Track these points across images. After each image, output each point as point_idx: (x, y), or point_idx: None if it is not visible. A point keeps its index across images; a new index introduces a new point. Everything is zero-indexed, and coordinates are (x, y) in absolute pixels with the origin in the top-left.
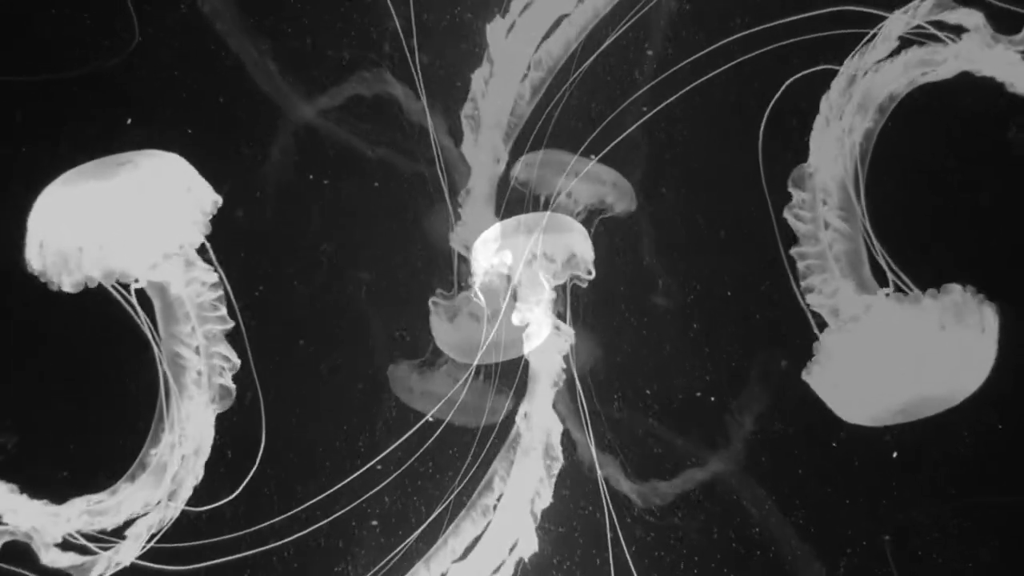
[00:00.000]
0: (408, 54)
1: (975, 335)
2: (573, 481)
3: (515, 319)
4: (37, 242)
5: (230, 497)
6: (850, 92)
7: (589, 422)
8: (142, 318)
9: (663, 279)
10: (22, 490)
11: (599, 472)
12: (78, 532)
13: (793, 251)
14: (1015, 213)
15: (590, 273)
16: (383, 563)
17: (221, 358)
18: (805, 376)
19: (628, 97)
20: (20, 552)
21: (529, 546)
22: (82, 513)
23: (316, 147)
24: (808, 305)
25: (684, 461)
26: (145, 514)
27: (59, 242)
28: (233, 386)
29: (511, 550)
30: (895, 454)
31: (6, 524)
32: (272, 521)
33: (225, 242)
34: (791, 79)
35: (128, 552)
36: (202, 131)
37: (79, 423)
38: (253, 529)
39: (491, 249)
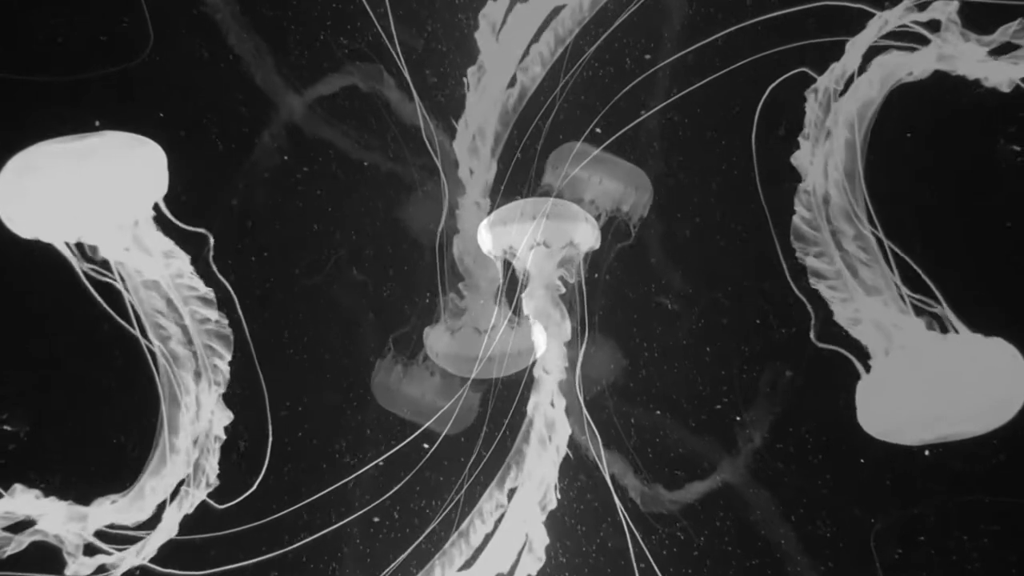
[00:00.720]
0: (395, 55)
1: (1010, 375)
2: (583, 484)
3: (526, 310)
4: (7, 215)
5: (243, 496)
6: (830, 105)
7: (593, 424)
8: (128, 305)
9: (675, 287)
10: (47, 493)
11: (607, 475)
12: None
13: (809, 271)
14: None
15: (580, 266)
16: (390, 566)
17: (213, 338)
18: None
19: (628, 95)
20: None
21: (539, 550)
22: (109, 511)
23: (311, 146)
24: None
25: (697, 471)
26: (167, 503)
27: (27, 210)
28: (228, 368)
29: (521, 551)
30: (927, 452)
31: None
32: (273, 517)
33: (220, 239)
34: (774, 84)
35: (155, 544)
36: (199, 125)
37: (87, 422)
38: (252, 527)
39: (491, 237)
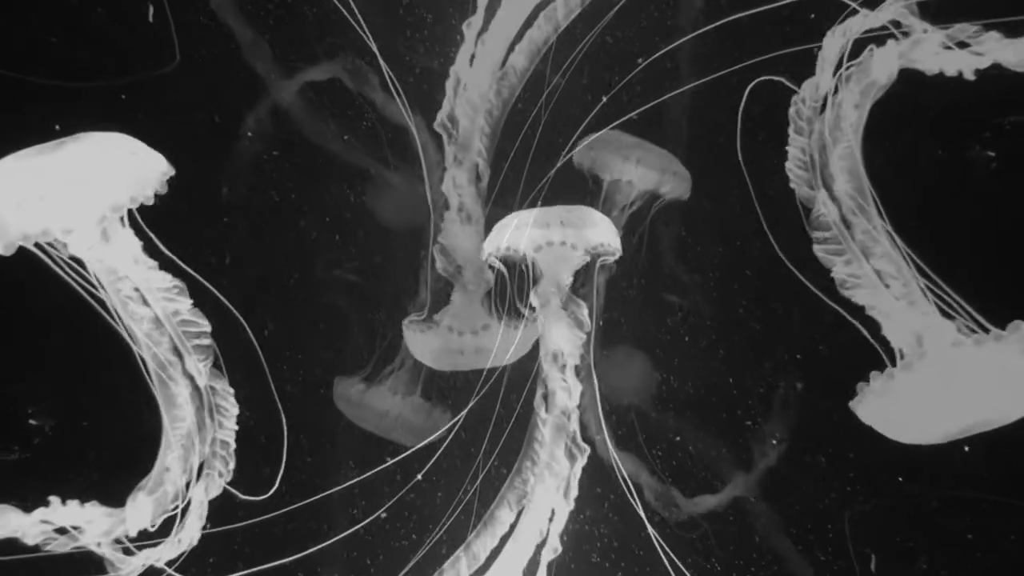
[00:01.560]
0: (377, 53)
1: None
2: (600, 489)
3: (533, 301)
4: None
5: (264, 495)
6: (816, 122)
7: (608, 431)
8: (106, 300)
9: (688, 296)
10: (83, 501)
11: (623, 477)
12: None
13: (837, 281)
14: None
15: (615, 254)
16: (409, 563)
17: (187, 323)
18: (857, 409)
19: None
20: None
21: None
22: (147, 505)
23: (301, 143)
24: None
25: (712, 484)
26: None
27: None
28: (211, 342)
29: (541, 547)
30: (967, 448)
31: (81, 535)
32: (281, 509)
33: (212, 241)
34: (752, 84)
35: (193, 528)
36: (193, 117)
37: (92, 415)
38: (261, 532)
39: (501, 236)
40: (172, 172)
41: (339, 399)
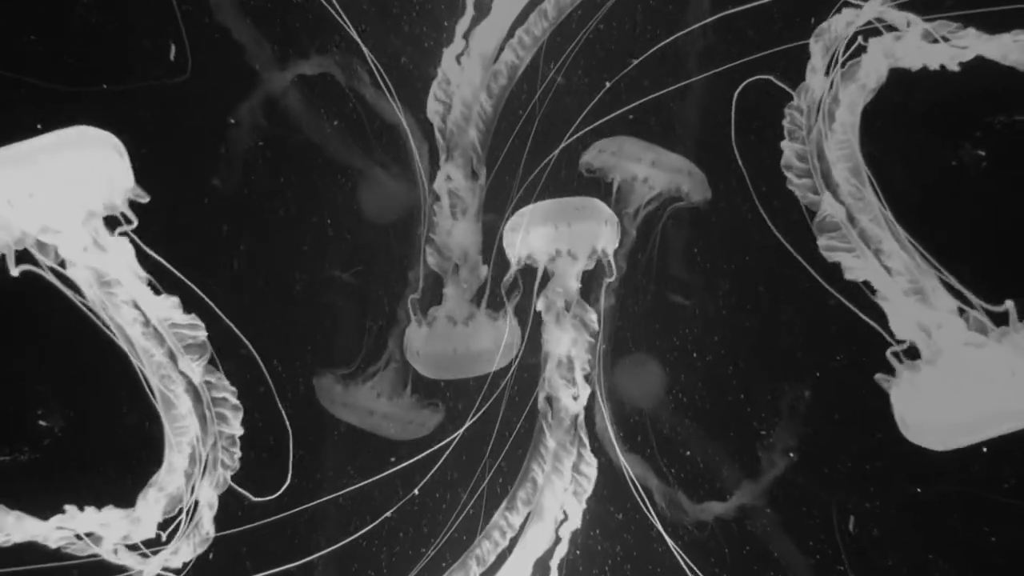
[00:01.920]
0: (367, 52)
1: None
2: (612, 495)
3: (539, 305)
4: None
5: (270, 495)
6: (813, 126)
7: (614, 435)
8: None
9: (698, 300)
10: (100, 506)
11: (632, 481)
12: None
13: (844, 268)
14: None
15: (611, 265)
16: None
17: (183, 326)
18: (891, 389)
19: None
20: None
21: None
22: (158, 502)
23: (295, 142)
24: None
25: (720, 492)
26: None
27: None
28: (205, 340)
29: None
30: (984, 449)
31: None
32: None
33: (206, 245)
34: (742, 85)
35: (208, 521)
36: (191, 113)
37: (95, 422)
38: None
39: (517, 240)
40: (144, 200)
41: (323, 396)
